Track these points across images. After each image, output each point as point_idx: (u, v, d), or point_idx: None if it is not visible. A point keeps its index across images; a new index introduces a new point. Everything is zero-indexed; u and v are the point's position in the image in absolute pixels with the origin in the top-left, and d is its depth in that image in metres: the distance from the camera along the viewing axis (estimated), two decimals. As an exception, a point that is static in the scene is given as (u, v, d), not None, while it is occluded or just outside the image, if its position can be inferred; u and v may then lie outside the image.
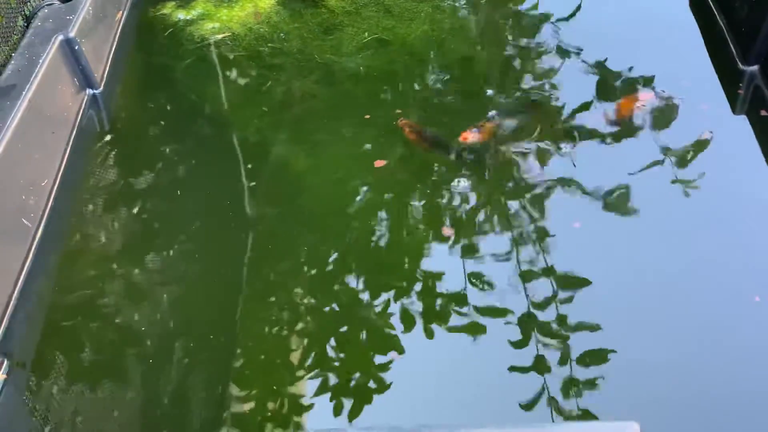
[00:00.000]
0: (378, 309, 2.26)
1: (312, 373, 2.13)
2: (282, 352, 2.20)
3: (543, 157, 2.69)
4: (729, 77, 2.96)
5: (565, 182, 2.58)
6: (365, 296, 2.30)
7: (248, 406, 2.09)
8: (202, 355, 2.21)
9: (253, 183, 2.74)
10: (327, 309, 2.30)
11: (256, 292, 2.37)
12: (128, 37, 3.49)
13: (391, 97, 3.06)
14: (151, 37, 3.48)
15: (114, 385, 2.15)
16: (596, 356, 2.09)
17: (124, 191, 2.74)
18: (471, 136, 2.74)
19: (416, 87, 3.10)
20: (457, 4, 3.57)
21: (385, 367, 2.12)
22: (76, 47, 2.96)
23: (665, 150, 2.66)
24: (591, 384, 2.03)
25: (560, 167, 2.64)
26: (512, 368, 2.08)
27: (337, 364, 2.15)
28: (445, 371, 2.11)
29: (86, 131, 2.96)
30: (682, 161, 2.62)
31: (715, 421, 1.95)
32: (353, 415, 2.03)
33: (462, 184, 2.61)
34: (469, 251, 2.40)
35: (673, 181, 2.56)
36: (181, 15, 3.55)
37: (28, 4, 3.11)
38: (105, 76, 3.20)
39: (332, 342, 2.20)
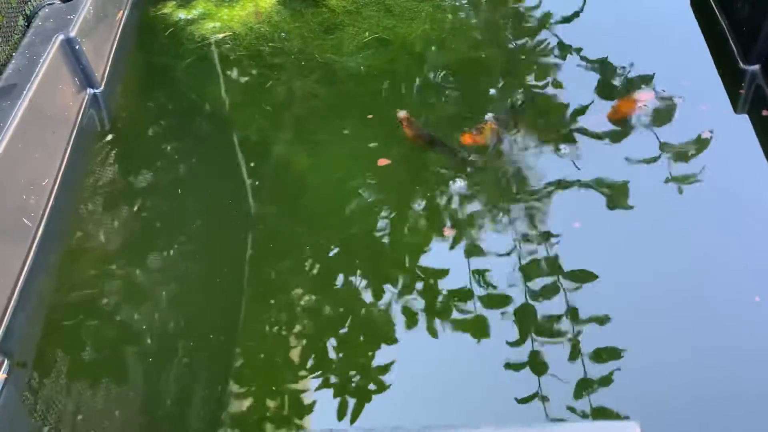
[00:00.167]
0: (379, 309, 2.26)
1: (313, 373, 2.13)
2: (283, 352, 2.20)
3: (543, 157, 2.69)
4: (730, 77, 2.96)
5: (565, 182, 2.58)
6: (366, 296, 2.30)
7: (248, 406, 2.09)
8: (203, 355, 2.21)
9: (254, 182, 2.74)
10: (328, 309, 2.30)
11: (257, 291, 2.37)
12: (129, 36, 3.49)
13: (391, 96, 3.06)
14: (152, 36, 3.48)
15: (115, 384, 2.15)
16: (598, 356, 2.09)
17: (124, 190, 2.74)
18: (472, 139, 2.74)
19: (417, 86, 3.10)
20: (457, 4, 3.57)
21: (386, 367, 2.12)
22: (77, 47, 2.96)
23: (666, 150, 2.66)
24: (592, 384, 2.03)
25: (560, 167, 2.64)
26: (513, 367, 2.08)
27: (338, 364, 2.15)
28: (447, 371, 2.11)
29: (87, 131, 2.96)
30: (683, 161, 2.62)
31: (716, 421, 1.95)
32: (354, 415, 2.03)
33: (461, 183, 2.61)
34: (471, 251, 2.40)
35: (673, 181, 2.55)
36: (182, 14, 3.55)
37: (29, 3, 3.11)
38: (106, 75, 3.20)
39: (333, 342, 2.20)
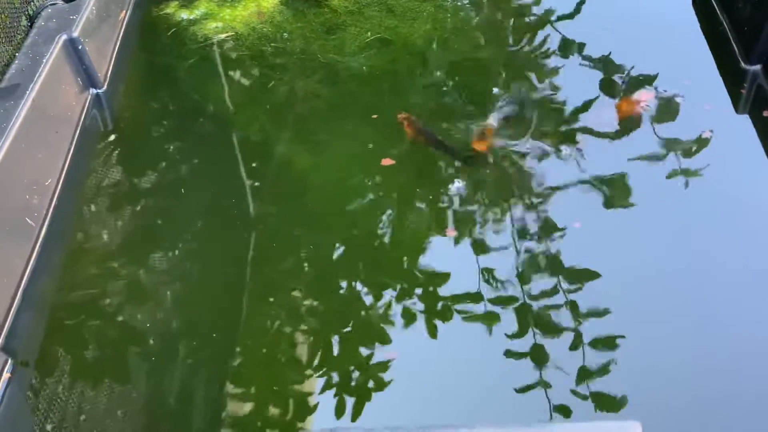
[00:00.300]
0: (380, 308, 2.27)
1: (314, 373, 2.13)
2: (284, 351, 2.21)
3: (543, 158, 2.69)
4: (731, 77, 2.96)
5: (566, 182, 2.59)
6: (368, 296, 2.31)
7: (250, 405, 2.09)
8: (205, 354, 2.22)
9: (256, 182, 2.74)
10: (329, 308, 2.30)
11: (258, 291, 2.38)
12: (131, 36, 3.49)
13: (394, 96, 3.06)
14: (155, 36, 3.49)
15: (117, 383, 2.16)
16: (598, 356, 2.09)
17: (127, 190, 2.74)
18: (481, 144, 2.72)
19: (419, 86, 3.10)
20: (459, 4, 3.58)
21: (387, 366, 2.12)
22: (80, 47, 2.96)
23: (667, 149, 2.66)
24: (592, 381, 2.04)
25: (561, 167, 2.64)
26: (515, 362, 2.08)
27: (339, 363, 2.15)
28: (447, 370, 2.11)
29: (90, 131, 2.97)
30: (684, 161, 2.62)
31: (718, 421, 1.95)
32: (355, 414, 2.04)
33: (462, 183, 2.61)
34: (472, 250, 2.40)
35: (674, 181, 2.56)
36: (184, 15, 3.56)
37: (32, 3, 3.11)
38: (108, 75, 3.20)
39: (335, 341, 2.20)
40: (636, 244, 2.37)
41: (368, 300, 2.29)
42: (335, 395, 2.08)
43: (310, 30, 3.41)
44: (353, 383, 2.10)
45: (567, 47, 3.22)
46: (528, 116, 2.87)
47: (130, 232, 2.61)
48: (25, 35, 2.96)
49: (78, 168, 2.79)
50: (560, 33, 3.29)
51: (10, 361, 2.16)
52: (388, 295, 2.30)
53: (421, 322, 2.22)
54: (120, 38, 3.40)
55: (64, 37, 2.92)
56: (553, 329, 2.16)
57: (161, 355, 2.22)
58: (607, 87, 2.98)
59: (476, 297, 2.26)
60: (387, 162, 2.71)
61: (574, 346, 2.12)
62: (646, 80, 2.98)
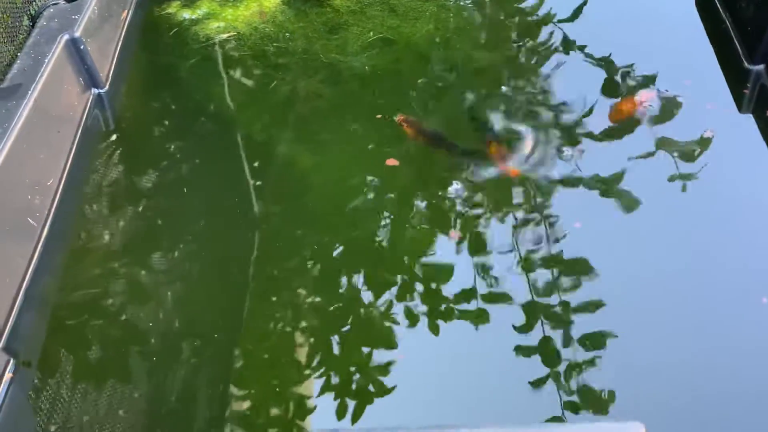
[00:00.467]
0: (382, 308, 2.26)
1: (316, 373, 2.13)
2: (286, 352, 2.21)
3: (544, 156, 2.69)
4: (734, 76, 2.95)
5: (567, 181, 2.58)
6: (370, 295, 2.31)
7: (252, 406, 2.09)
8: (207, 354, 2.22)
9: (259, 182, 2.74)
10: (332, 308, 2.30)
11: (261, 291, 2.38)
12: (133, 36, 3.49)
13: (396, 96, 3.06)
14: (156, 36, 3.49)
15: (119, 383, 2.16)
16: (598, 355, 2.09)
17: (129, 190, 2.74)
18: (506, 165, 2.69)
19: (421, 86, 3.10)
20: (462, 3, 3.57)
21: (389, 367, 2.12)
22: (82, 47, 2.96)
23: (668, 149, 2.66)
24: (594, 383, 2.04)
25: (562, 167, 2.64)
26: (514, 368, 2.08)
27: (341, 363, 2.15)
28: (449, 370, 2.11)
29: (91, 131, 2.97)
30: (686, 160, 2.62)
31: (720, 421, 1.95)
32: (356, 414, 2.04)
33: (464, 183, 2.61)
34: (474, 250, 2.40)
35: (676, 180, 2.55)
36: (186, 14, 3.55)
37: (34, 3, 3.11)
38: (110, 75, 3.20)
39: (337, 341, 2.20)
40: (638, 245, 2.37)
41: (371, 300, 2.29)
42: (336, 396, 2.08)
43: (312, 30, 3.41)
44: (355, 383, 2.10)
45: (569, 47, 3.22)
46: (528, 117, 2.87)
47: (132, 232, 2.60)
48: (27, 35, 2.96)
49: (80, 168, 2.79)
50: (563, 32, 3.29)
51: (12, 361, 2.16)
52: (391, 295, 2.30)
53: (423, 323, 2.22)
54: (122, 38, 3.40)
55: (66, 36, 2.92)
56: (553, 330, 2.16)
57: (163, 355, 2.22)
58: (609, 87, 2.98)
59: (477, 297, 2.26)
60: (392, 162, 2.70)
61: (575, 345, 2.11)
62: (648, 80, 2.97)
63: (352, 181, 2.70)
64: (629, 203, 2.50)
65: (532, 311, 2.20)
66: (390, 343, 2.18)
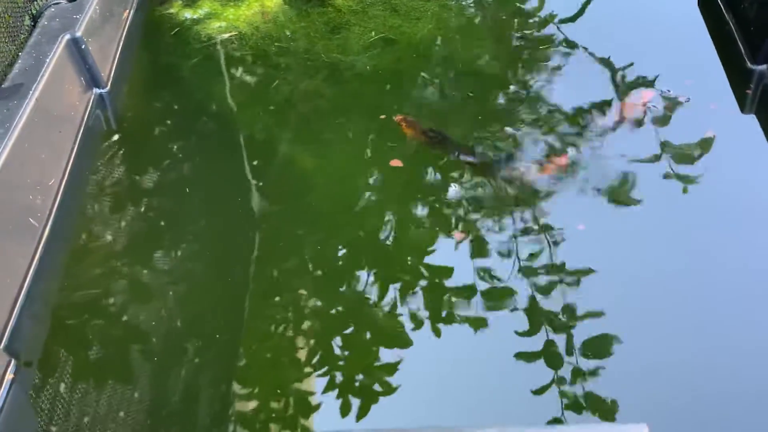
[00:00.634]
0: (385, 308, 2.26)
1: (318, 373, 2.13)
2: (288, 351, 2.20)
3: (546, 158, 2.68)
4: (737, 76, 2.95)
5: (569, 184, 2.58)
6: (372, 295, 2.30)
7: (254, 406, 2.09)
8: (209, 354, 2.22)
9: (260, 182, 2.74)
10: (333, 308, 2.30)
11: (262, 290, 2.37)
12: (135, 36, 3.49)
13: (397, 96, 3.06)
14: (158, 36, 3.49)
15: (121, 384, 2.15)
16: (597, 356, 2.09)
17: (130, 190, 2.74)
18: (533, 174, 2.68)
19: (422, 86, 3.09)
20: (463, 3, 3.57)
21: (392, 367, 2.12)
22: (83, 46, 2.96)
23: (671, 149, 2.65)
24: (595, 384, 2.03)
25: (562, 170, 2.63)
26: (516, 369, 2.08)
27: (343, 363, 2.15)
28: (452, 371, 2.11)
29: (93, 130, 2.96)
30: (688, 161, 2.61)
31: (721, 421, 1.95)
32: (360, 414, 2.03)
33: (465, 183, 2.60)
34: (475, 252, 2.40)
35: (678, 181, 2.55)
36: (188, 14, 3.55)
37: (35, 3, 3.11)
38: (111, 75, 3.20)
39: (339, 342, 2.20)
40: (640, 245, 2.37)
41: (373, 299, 2.29)
42: (340, 395, 2.07)
43: (314, 29, 3.40)
44: (358, 384, 2.09)
45: (571, 47, 3.21)
46: (529, 117, 2.87)
47: (134, 232, 2.60)
48: (29, 35, 2.96)
49: (81, 168, 2.78)
50: (564, 32, 3.29)
51: (13, 362, 2.15)
52: (394, 294, 2.29)
53: (426, 323, 2.21)
54: (123, 38, 3.40)
55: (68, 36, 2.91)
56: (554, 330, 2.15)
57: (165, 356, 2.21)
58: (612, 87, 2.97)
59: (479, 297, 2.26)
60: (396, 163, 2.70)
61: (577, 347, 2.11)
62: (651, 80, 2.97)
63: (353, 180, 2.70)
64: (630, 204, 2.49)
65: (535, 314, 2.19)
66: (399, 343, 2.17)
